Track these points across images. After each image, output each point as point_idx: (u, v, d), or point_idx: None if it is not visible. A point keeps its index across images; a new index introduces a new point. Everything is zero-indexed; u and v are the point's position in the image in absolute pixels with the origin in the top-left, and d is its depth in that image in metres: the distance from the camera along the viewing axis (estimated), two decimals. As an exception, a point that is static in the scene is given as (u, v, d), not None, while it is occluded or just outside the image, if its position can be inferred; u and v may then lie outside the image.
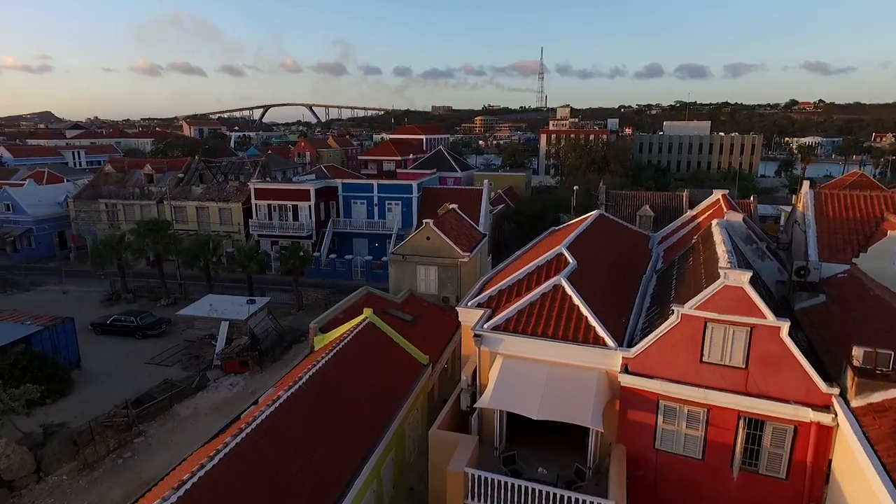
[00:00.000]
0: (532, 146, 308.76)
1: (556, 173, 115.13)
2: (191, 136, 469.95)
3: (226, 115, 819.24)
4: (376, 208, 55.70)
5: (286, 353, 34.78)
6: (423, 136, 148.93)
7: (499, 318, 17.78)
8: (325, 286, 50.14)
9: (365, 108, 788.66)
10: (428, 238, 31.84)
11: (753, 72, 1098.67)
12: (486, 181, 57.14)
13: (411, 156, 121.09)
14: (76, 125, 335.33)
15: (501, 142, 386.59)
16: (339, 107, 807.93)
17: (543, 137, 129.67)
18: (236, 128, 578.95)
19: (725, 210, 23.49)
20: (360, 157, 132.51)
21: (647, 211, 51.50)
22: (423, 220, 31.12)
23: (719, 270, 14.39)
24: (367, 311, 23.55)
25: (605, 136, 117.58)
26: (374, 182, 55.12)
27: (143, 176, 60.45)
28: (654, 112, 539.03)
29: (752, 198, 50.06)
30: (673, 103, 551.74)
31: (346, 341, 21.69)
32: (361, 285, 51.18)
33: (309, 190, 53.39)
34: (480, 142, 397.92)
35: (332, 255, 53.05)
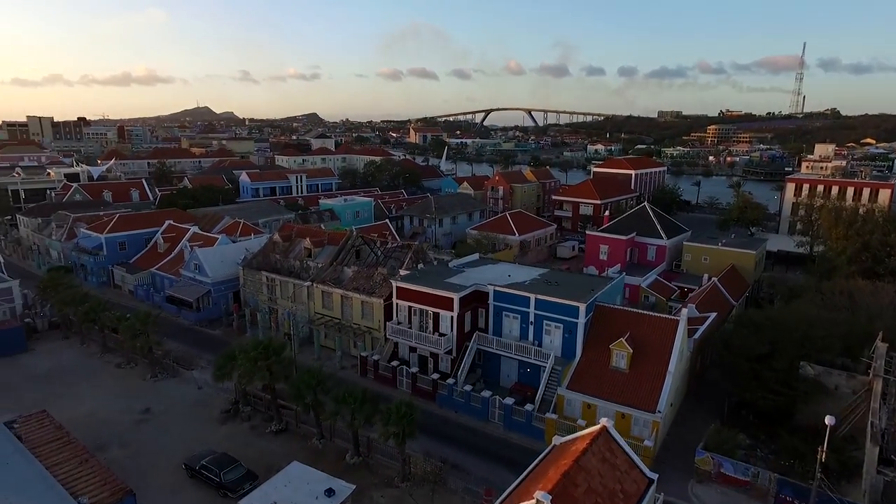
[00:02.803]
0: (778, 168, 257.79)
1: (804, 233, 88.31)
2: (416, 142, 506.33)
3: (451, 119, 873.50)
4: (532, 327, 44.51)
5: (353, 587, 26.37)
6: (633, 172, 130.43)
7: None
8: (453, 428, 40.97)
9: (584, 114, 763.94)
10: (541, 523, 20.05)
11: None
12: (683, 312, 41.36)
13: (608, 211, 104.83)
14: (322, 135, 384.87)
15: (738, 158, 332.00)
16: (556, 111, 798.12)
17: (790, 188, 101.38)
18: (458, 132, 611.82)
19: None
20: (554, 197, 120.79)
21: (965, 411, 31.21)
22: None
23: None
24: None
25: (888, 196, 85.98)
26: (532, 295, 43.83)
27: (304, 249, 58.67)
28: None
29: None
30: None
31: None
32: (496, 433, 40.85)
33: (452, 299, 44.63)
34: (710, 157, 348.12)
35: (469, 387, 43.45)
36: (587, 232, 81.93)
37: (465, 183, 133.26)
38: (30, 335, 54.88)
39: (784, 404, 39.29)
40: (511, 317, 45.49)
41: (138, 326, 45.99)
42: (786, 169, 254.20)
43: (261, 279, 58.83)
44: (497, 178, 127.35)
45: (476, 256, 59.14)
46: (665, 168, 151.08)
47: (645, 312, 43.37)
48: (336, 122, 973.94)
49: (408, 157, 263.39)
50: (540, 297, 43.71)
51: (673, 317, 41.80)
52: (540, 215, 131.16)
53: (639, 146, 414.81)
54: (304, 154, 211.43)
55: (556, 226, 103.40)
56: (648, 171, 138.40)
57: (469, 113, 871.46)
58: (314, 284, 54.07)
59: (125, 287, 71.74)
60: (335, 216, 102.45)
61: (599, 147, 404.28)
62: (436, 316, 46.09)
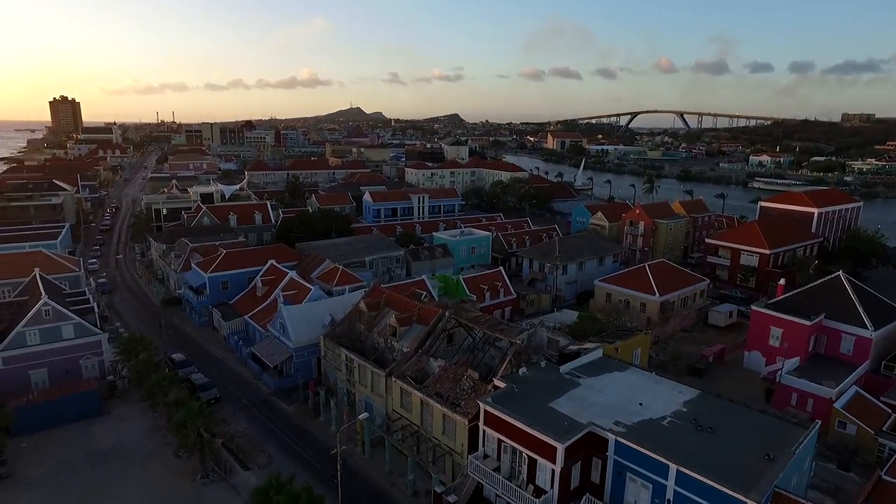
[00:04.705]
0: None
1: None
2: (553, 148, 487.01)
3: (593, 121, 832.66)
4: (669, 506, 30.84)
5: None
6: (815, 210, 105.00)
7: None
8: None
9: (746, 117, 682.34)
10: None
11: None
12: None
13: (780, 263, 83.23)
14: (457, 141, 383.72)
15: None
16: (713, 114, 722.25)
17: None
18: (599, 136, 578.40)
19: None
20: (709, 241, 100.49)
21: None
22: None
23: None
24: None
25: None
26: (673, 465, 30.20)
27: (389, 326, 49.89)
28: None
29: None
30: None
31: None
32: None
33: (556, 449, 32.49)
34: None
35: (568, 585, 31.04)
36: (753, 308, 63.54)
37: (600, 213, 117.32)
38: (111, 393, 52.87)
39: None
40: (638, 483, 32.17)
41: (188, 422, 40.26)
42: None
43: (340, 355, 51.25)
44: (637, 211, 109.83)
45: (599, 353, 45.81)
46: (860, 204, 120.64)
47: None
48: (476, 124, 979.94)
49: (538, 171, 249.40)
50: (684, 470, 29.87)
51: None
52: (688, 256, 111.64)
53: (816, 157, 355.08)
54: (434, 168, 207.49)
55: (708, 281, 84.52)
56: (836, 208, 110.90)
57: (613, 115, 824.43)
58: (392, 378, 44.95)
59: (221, 332, 69.23)
60: (448, 252, 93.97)
61: (764, 158, 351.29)
62: (532, 462, 34.26)
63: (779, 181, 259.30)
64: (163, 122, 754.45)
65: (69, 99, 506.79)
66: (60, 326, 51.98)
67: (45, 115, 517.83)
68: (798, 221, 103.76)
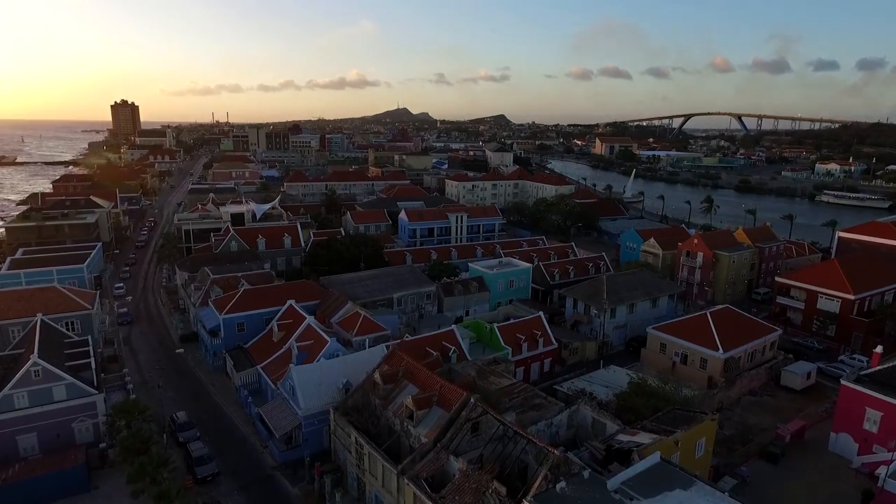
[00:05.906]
0: None
1: None
2: (601, 154, 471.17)
3: (644, 123, 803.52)
4: None
5: None
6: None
7: None
8: None
9: (810, 119, 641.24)
10: None
11: None
12: None
13: (868, 308, 71.70)
14: (501, 147, 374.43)
15: None
16: (773, 116, 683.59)
17: None
18: (650, 140, 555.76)
19: None
20: (778, 279, 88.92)
21: None
22: None
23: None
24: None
25: None
26: None
27: (405, 407, 42.92)
28: None
29: None
30: None
31: None
32: None
33: None
34: None
35: None
36: (843, 382, 53.21)
37: (652, 240, 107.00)
38: (102, 462, 48.06)
39: None
40: None
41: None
42: None
43: (351, 435, 44.71)
44: (696, 241, 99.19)
45: (656, 458, 37.49)
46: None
47: None
48: (522, 125, 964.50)
49: (584, 181, 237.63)
50: None
51: None
52: (753, 291, 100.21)
53: (892, 166, 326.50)
54: (475, 179, 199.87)
55: (779, 331, 73.75)
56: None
57: (664, 118, 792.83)
58: (405, 478, 37.98)
59: (234, 380, 64.12)
60: (484, 286, 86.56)
61: (833, 166, 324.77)
62: None
63: (851, 195, 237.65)
64: (217, 122, 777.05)
65: (129, 103, 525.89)
66: (51, 388, 47.56)
67: (109, 116, 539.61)
68: (887, 257, 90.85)
